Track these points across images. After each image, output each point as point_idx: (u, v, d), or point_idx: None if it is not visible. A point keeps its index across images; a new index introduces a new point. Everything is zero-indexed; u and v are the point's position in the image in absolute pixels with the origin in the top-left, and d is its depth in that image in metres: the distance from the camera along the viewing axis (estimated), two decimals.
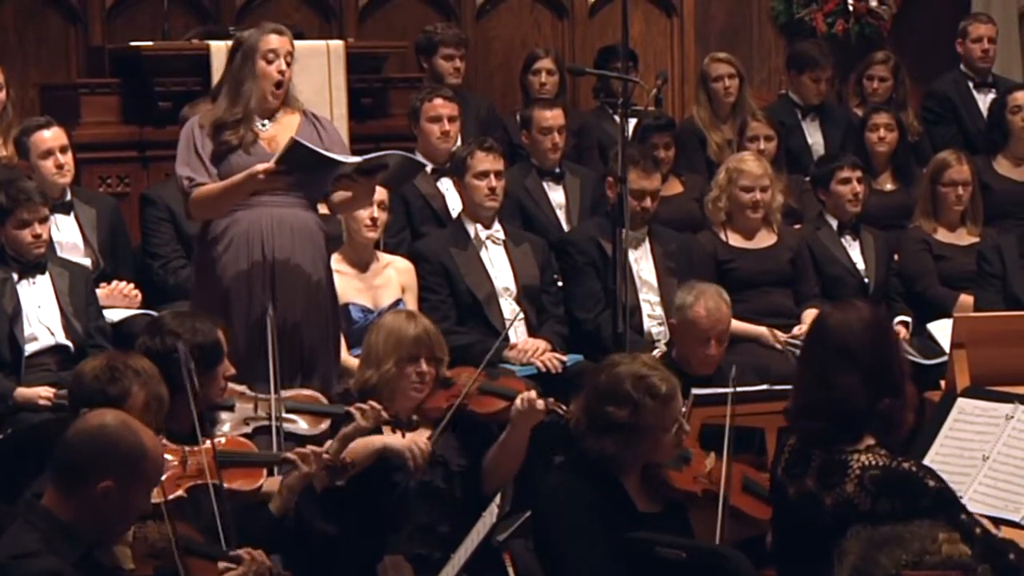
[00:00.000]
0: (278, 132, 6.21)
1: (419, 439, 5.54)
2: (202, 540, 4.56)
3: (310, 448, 5.15)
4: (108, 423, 4.08)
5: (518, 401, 5.60)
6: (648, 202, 7.41)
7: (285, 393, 5.61)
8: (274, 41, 6.18)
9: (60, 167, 7.07)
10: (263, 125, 6.21)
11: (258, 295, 6.10)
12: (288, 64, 6.20)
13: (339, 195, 6.20)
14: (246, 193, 6.06)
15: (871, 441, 4.45)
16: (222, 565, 4.44)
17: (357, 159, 6.06)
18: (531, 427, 5.65)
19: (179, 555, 4.19)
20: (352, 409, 5.44)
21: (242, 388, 5.59)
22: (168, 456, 4.86)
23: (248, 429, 5.48)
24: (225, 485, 4.86)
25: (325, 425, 5.61)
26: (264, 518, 5.04)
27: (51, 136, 7.09)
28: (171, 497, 4.51)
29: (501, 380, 5.93)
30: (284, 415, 5.54)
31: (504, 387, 5.78)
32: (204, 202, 6.14)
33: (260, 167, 5.97)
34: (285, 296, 6.11)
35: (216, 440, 5.01)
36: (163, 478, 4.56)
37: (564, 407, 5.68)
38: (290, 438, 5.58)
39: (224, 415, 5.49)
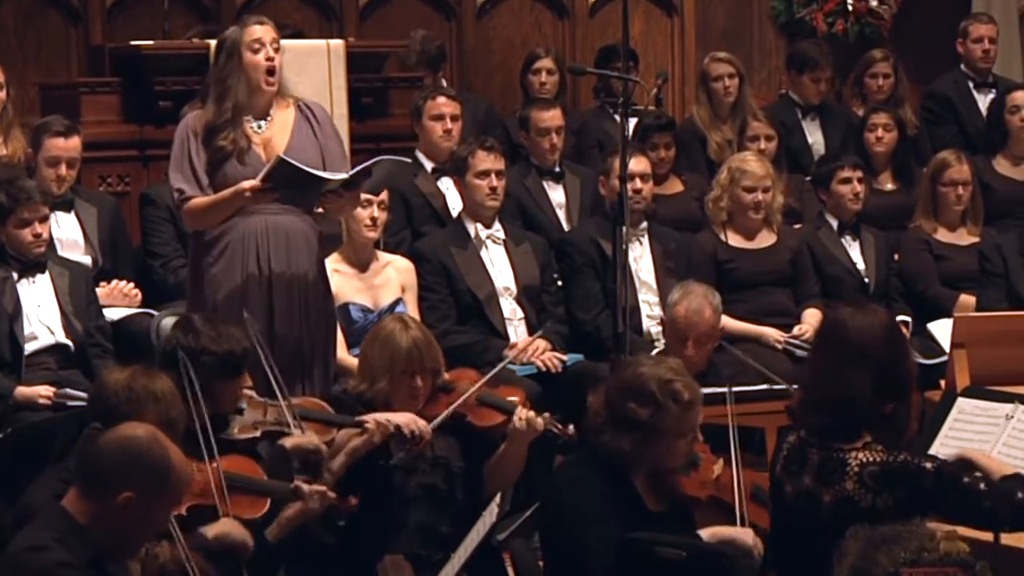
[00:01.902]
0: (274, 134, 6.15)
1: (419, 420, 5.54)
2: (212, 571, 4.55)
3: (317, 489, 5.11)
4: (139, 435, 4.10)
5: (516, 420, 5.61)
6: (639, 183, 7.40)
7: (294, 400, 5.58)
8: (258, 31, 6.11)
9: (59, 178, 7.05)
10: (258, 127, 6.15)
11: (254, 301, 6.07)
12: (276, 50, 6.12)
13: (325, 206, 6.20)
14: (235, 208, 6.03)
15: (868, 438, 4.46)
16: None
17: (343, 175, 6.00)
18: (529, 442, 5.66)
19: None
20: (367, 423, 5.42)
21: (251, 392, 5.56)
22: None
23: (257, 433, 5.45)
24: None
25: (333, 434, 5.57)
26: (259, 544, 4.98)
27: (65, 146, 7.06)
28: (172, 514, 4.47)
29: (500, 389, 5.91)
30: (292, 422, 5.50)
31: (503, 400, 5.77)
32: (195, 215, 6.10)
33: (247, 184, 5.92)
34: (282, 301, 6.08)
35: (226, 460, 4.96)
36: None
37: (560, 426, 5.69)
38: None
39: (233, 418, 5.46)
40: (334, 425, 5.54)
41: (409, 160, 6.64)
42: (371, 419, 5.45)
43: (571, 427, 5.70)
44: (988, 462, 4.55)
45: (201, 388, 5.03)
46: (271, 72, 6.11)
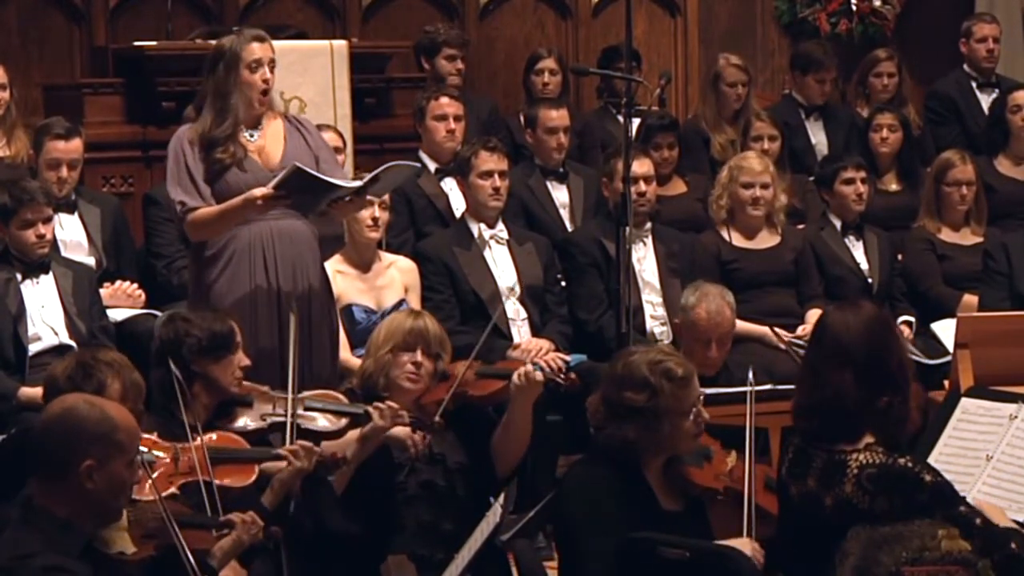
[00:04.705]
0: (266, 142, 6.18)
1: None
2: (191, 512, 4.60)
3: (302, 444, 5.15)
4: (70, 406, 4.13)
5: (515, 377, 5.60)
6: (642, 186, 7.39)
7: (304, 392, 5.60)
8: (257, 50, 6.11)
9: (60, 180, 7.05)
10: (251, 136, 6.17)
11: (264, 308, 6.07)
12: (272, 71, 6.15)
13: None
14: (244, 216, 6.04)
15: (870, 439, 4.46)
16: (215, 533, 4.50)
17: (356, 183, 6.03)
18: (532, 401, 5.64)
19: (173, 529, 4.22)
20: (371, 408, 5.44)
21: (264, 388, 5.59)
22: (160, 453, 4.89)
23: (264, 424, 5.48)
24: (216, 482, 4.87)
25: (344, 423, 5.59)
26: (255, 511, 5.01)
27: (65, 148, 7.05)
28: (164, 495, 4.52)
29: (497, 364, 5.94)
30: (303, 413, 5.52)
31: (500, 368, 5.80)
32: (201, 226, 6.10)
33: (258, 192, 5.93)
34: (290, 305, 6.09)
35: (208, 437, 5.01)
36: (155, 475, 4.59)
37: (562, 376, 5.70)
38: (310, 435, 5.54)
39: (242, 411, 5.49)
40: (344, 415, 5.56)
41: (419, 165, 6.64)
42: (376, 406, 5.45)
43: (572, 374, 5.74)
44: (993, 512, 4.53)
45: (197, 376, 5.25)
46: (265, 93, 6.16)
